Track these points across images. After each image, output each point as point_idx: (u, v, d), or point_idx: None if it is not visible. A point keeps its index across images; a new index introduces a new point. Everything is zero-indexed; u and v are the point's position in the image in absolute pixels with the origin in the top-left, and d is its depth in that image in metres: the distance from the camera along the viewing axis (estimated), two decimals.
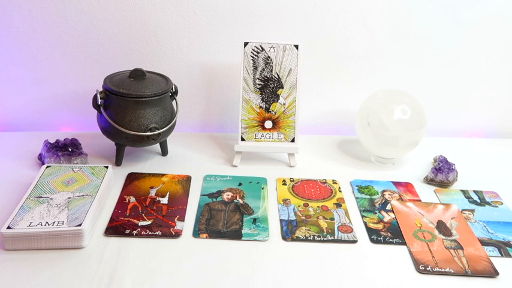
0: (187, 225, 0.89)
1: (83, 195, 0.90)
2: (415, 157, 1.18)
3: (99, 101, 1.03)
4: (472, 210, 0.98)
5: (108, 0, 1.13)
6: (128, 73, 1.06)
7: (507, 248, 0.87)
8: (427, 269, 0.81)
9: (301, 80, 1.10)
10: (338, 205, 0.98)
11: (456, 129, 1.34)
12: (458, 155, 1.17)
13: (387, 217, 0.95)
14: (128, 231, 0.86)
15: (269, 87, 1.09)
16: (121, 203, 0.94)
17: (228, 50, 1.21)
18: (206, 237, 0.86)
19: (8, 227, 0.79)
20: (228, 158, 1.14)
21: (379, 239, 0.88)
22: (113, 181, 1.01)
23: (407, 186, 1.05)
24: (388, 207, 0.98)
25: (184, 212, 0.93)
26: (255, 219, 0.92)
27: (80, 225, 0.81)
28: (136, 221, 0.89)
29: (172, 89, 1.09)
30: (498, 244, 0.88)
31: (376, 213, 0.96)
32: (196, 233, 0.87)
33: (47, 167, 0.98)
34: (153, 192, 0.98)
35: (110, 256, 0.80)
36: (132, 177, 1.03)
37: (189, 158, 1.14)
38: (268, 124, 1.10)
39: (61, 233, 0.80)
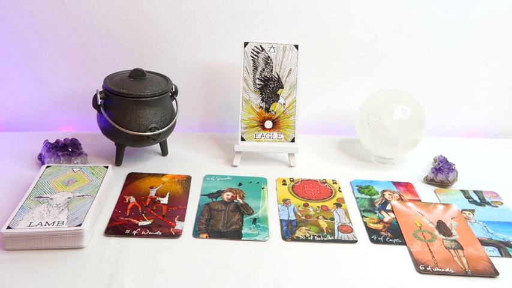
0: (187, 225, 0.89)
1: (83, 195, 0.90)
2: (415, 157, 1.18)
3: (99, 101, 1.03)
4: (472, 210, 0.98)
5: (108, 0, 1.13)
6: (128, 73, 1.06)
7: (507, 248, 0.87)
8: (427, 269, 0.81)
9: (301, 80, 1.10)
10: (338, 205, 0.98)
11: (456, 129, 1.34)
12: (458, 155, 1.17)
13: (387, 217, 0.95)
14: (127, 231, 0.86)
15: (269, 87, 1.09)
16: (121, 203, 0.94)
17: (228, 50, 1.20)
18: (206, 237, 0.86)
19: (8, 227, 0.79)
20: (228, 158, 1.14)
21: (379, 239, 0.88)
22: (113, 181, 1.01)
23: (407, 186, 1.05)
24: (388, 207, 0.98)
25: (184, 212, 0.93)
26: (255, 219, 0.92)
27: (80, 225, 0.81)
28: (136, 221, 0.89)
29: (172, 89, 1.10)
30: (498, 244, 0.88)
31: (376, 213, 0.96)
32: (196, 233, 0.87)
33: (47, 167, 0.98)
34: (153, 192, 0.98)
35: (110, 256, 0.80)
36: (132, 177, 1.03)
37: (189, 158, 1.14)
38: (268, 124, 1.10)
39: (61, 233, 0.80)
